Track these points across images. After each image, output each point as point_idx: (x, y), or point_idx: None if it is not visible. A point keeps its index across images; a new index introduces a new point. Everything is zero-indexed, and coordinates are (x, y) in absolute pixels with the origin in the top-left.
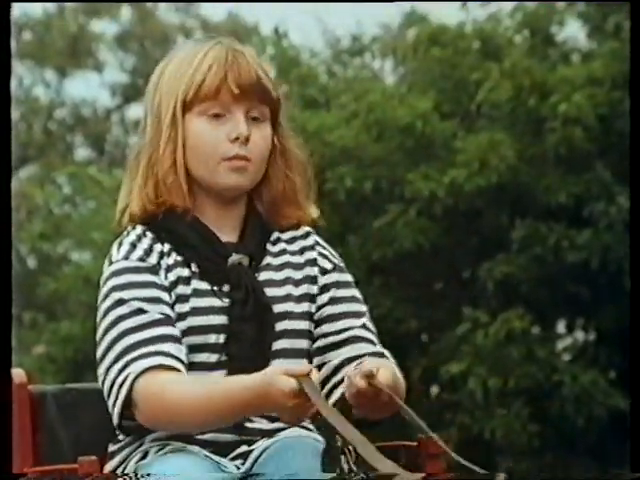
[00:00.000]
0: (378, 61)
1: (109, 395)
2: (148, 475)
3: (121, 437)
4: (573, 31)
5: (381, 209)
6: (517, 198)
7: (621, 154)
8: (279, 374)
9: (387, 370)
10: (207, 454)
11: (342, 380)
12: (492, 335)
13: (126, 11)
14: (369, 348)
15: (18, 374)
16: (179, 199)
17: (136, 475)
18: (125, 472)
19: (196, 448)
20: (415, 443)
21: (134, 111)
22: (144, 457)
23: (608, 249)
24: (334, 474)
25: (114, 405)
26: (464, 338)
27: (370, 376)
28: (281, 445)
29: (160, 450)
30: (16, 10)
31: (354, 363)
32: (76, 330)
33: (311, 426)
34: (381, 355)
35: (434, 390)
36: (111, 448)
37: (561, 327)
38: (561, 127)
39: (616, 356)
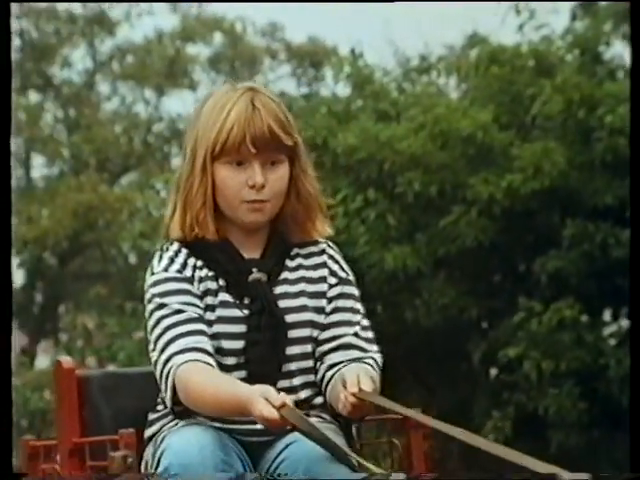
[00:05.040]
0: (443, 78)
1: (160, 383)
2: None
3: (159, 407)
4: (618, 50)
5: (445, 210)
6: (567, 200)
7: None
8: (260, 398)
9: (365, 378)
10: (223, 426)
11: (330, 379)
12: (545, 323)
13: (218, 36)
14: (356, 354)
15: (67, 361)
16: (208, 233)
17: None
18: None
19: (215, 423)
20: (400, 416)
21: None
22: (174, 426)
23: None
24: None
25: (165, 391)
26: (520, 325)
27: (358, 392)
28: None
29: (187, 420)
30: (120, 36)
31: (340, 367)
32: None
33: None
34: (363, 359)
35: (493, 372)
36: (150, 417)
37: (607, 315)
38: (607, 137)
39: None
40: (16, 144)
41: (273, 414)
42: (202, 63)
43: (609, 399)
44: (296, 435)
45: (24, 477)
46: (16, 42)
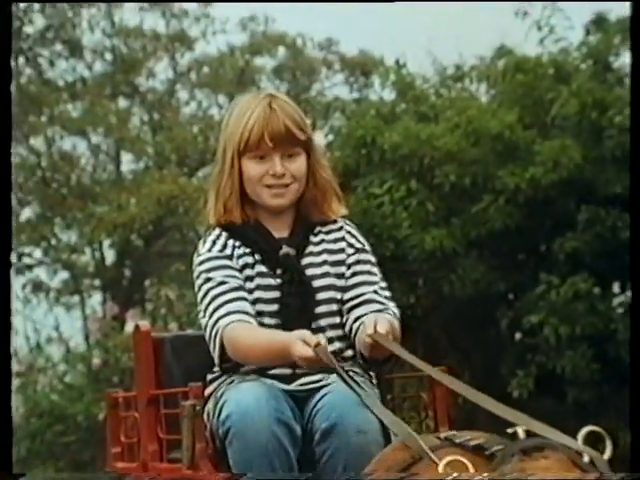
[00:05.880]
0: (475, 84)
1: (209, 343)
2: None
3: (215, 369)
4: (626, 60)
5: (477, 198)
6: (582, 189)
7: None
8: (298, 340)
9: (383, 322)
10: (273, 381)
11: (357, 330)
12: (563, 294)
13: (281, 50)
14: (377, 307)
15: (144, 325)
16: (234, 218)
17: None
18: (217, 394)
19: (267, 380)
20: (427, 373)
21: None
22: (231, 383)
23: None
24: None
25: (214, 350)
26: (541, 296)
27: (373, 333)
28: (339, 397)
29: (242, 377)
30: (197, 51)
31: (364, 318)
32: None
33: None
34: (384, 310)
35: (517, 336)
36: (209, 377)
37: (616, 288)
38: (617, 135)
39: None
40: (107, 144)
41: (309, 352)
42: (267, 73)
43: (617, 360)
44: (330, 387)
45: (24, 476)
46: (108, 57)
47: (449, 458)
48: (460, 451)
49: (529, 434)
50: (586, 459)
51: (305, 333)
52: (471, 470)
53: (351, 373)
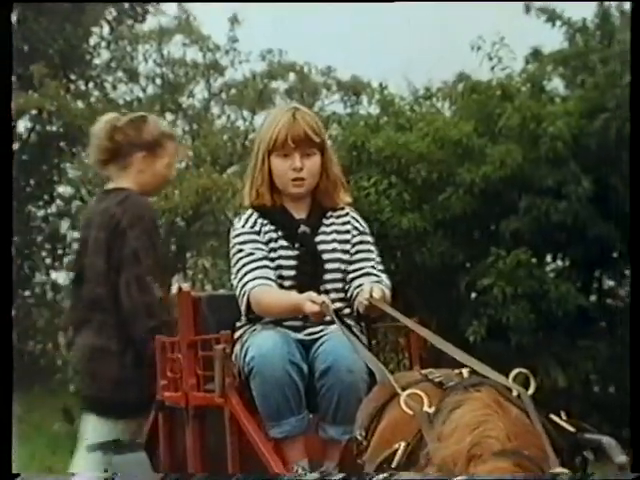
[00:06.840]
0: (440, 102)
1: (238, 300)
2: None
3: (242, 318)
4: (556, 84)
5: (442, 190)
6: (522, 183)
7: (586, 157)
8: (307, 300)
9: (378, 288)
10: (286, 331)
11: (357, 295)
12: (508, 263)
13: (292, 75)
14: (374, 279)
15: (185, 287)
16: (266, 201)
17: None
18: (243, 338)
19: (281, 329)
20: (403, 324)
21: None
22: (254, 331)
23: (577, 213)
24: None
25: (241, 305)
26: (491, 265)
27: (369, 297)
28: (335, 341)
29: (262, 327)
30: (227, 76)
31: (363, 286)
32: None
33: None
34: (379, 282)
35: (473, 295)
36: (237, 325)
37: (549, 258)
38: (549, 141)
39: (582, 274)
40: None
41: (316, 308)
42: (281, 94)
43: (549, 313)
44: (329, 336)
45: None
46: (158, 81)
47: (409, 391)
48: (429, 386)
49: (473, 374)
50: (515, 393)
51: (312, 294)
52: (425, 402)
53: (348, 322)
